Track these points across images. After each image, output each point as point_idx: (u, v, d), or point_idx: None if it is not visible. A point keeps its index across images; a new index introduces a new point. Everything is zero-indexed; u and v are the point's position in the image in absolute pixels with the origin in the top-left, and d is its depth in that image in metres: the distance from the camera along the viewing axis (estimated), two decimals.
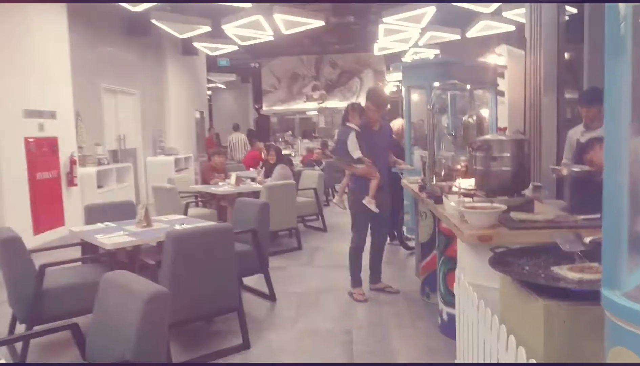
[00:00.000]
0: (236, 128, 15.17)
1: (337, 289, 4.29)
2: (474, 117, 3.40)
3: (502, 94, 6.66)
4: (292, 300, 4.05)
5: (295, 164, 9.55)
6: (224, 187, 6.00)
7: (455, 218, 2.65)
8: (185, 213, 5.50)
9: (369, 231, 4.05)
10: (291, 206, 5.65)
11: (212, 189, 5.86)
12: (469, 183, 3.47)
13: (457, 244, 3.13)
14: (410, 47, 12.24)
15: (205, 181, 6.50)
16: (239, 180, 6.23)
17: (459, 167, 3.86)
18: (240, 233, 3.83)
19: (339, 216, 7.83)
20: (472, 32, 10.19)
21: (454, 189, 3.30)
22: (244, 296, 4.18)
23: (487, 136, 2.80)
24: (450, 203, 2.78)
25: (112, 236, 3.27)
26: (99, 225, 3.73)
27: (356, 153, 3.74)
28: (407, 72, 4.96)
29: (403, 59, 13.77)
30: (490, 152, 2.74)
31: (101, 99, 8.33)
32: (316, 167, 8.82)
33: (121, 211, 4.19)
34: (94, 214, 4.13)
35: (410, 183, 4.45)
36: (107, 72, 8.59)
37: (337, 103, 15.56)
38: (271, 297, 4.04)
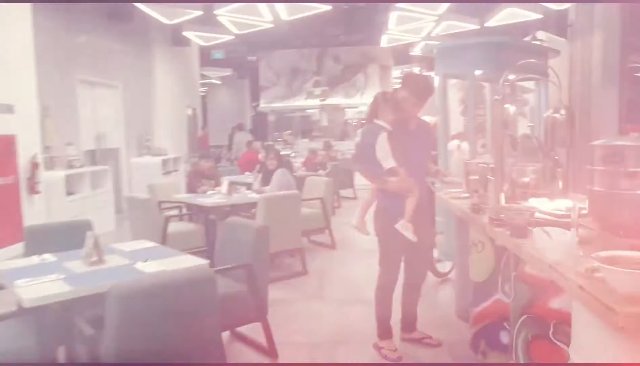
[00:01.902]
0: (241, 127, 14.13)
1: (357, 338, 3.27)
2: (562, 112, 2.40)
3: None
4: (298, 357, 3.03)
5: (296, 167, 8.54)
6: (214, 197, 4.97)
7: (572, 271, 1.64)
8: (165, 231, 4.48)
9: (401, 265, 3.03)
10: (295, 222, 4.63)
11: (199, 200, 4.83)
12: (551, 206, 2.47)
13: (550, 301, 2.13)
14: (421, 39, 11.28)
15: (191, 189, 5.46)
16: (231, 188, 5.21)
17: (526, 180, 2.87)
18: (229, 269, 2.81)
19: (349, 228, 6.81)
20: (493, 22, 9.20)
21: (539, 215, 2.30)
22: (234, 348, 3.16)
23: (619, 140, 1.78)
24: (556, 243, 1.76)
25: (41, 282, 2.24)
26: (34, 259, 2.70)
27: (388, 162, 2.72)
28: (444, 55, 3.94)
29: (412, 53, 12.80)
30: (623, 167, 1.72)
31: (75, 92, 7.29)
32: (321, 171, 7.79)
33: (75, 235, 3.15)
34: (37, 239, 3.12)
35: (452, 197, 3.45)
36: (83, 61, 7.53)
37: (340, 100, 14.50)
38: (271, 352, 3.01)
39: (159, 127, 10.17)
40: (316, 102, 14.51)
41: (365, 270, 4.80)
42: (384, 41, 11.69)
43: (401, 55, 13.77)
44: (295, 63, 14.54)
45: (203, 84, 17.64)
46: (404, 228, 2.79)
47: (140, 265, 2.44)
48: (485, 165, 3.06)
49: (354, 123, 15.83)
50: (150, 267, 2.40)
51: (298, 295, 4.14)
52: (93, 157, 7.99)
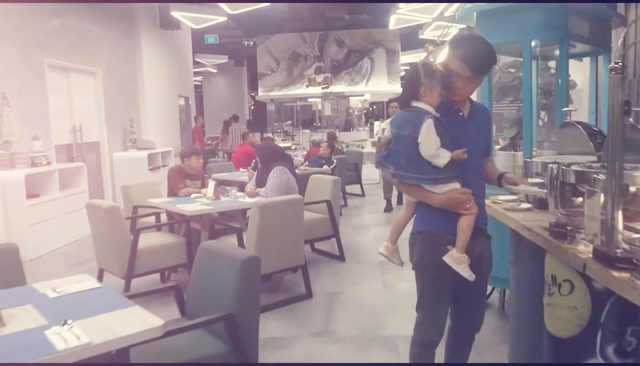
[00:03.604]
0: (236, 119, 13.26)
1: None
2: None
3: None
4: None
5: (298, 161, 7.65)
6: (197, 202, 4.09)
7: None
8: (134, 246, 3.60)
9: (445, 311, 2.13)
10: (297, 233, 3.74)
11: (178, 206, 3.94)
12: None
13: None
14: (432, 19, 10.32)
15: (172, 192, 4.58)
16: (219, 190, 4.33)
17: (633, 190, 1.98)
18: (204, 324, 1.94)
19: (357, 232, 5.95)
20: None
21: None
22: None
23: None
24: None
25: None
26: None
27: (442, 157, 1.84)
28: (487, 21, 3.02)
29: (421, 37, 11.84)
30: None
31: (45, 78, 6.37)
32: (325, 166, 6.90)
33: None
34: None
35: (505, 208, 2.56)
36: (54, 44, 6.61)
37: (344, 87, 13.51)
38: None
39: (147, 118, 9.26)
40: (318, 90, 13.53)
41: (383, 291, 3.94)
42: (392, 23, 10.76)
43: (410, 37, 12.81)
44: (296, 48, 13.53)
45: (198, 73, 16.71)
46: (457, 261, 1.90)
47: (54, 332, 1.56)
48: (562, 166, 2.18)
49: (356, 113, 14.91)
50: (68, 338, 1.52)
51: (300, 330, 3.26)
52: (69, 152, 7.12)
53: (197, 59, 13.76)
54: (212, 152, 13.20)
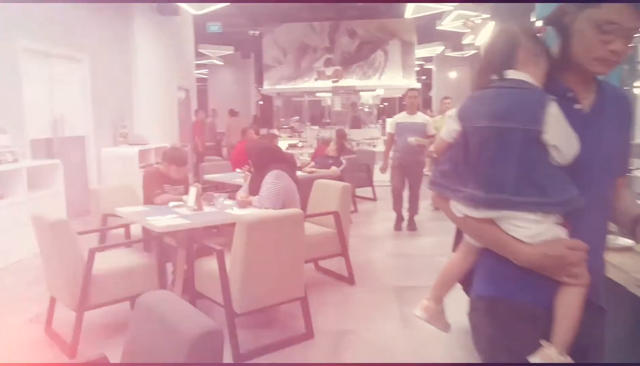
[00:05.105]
0: (233, 114, 12.50)
1: None
2: None
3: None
4: None
5: (304, 160, 6.86)
6: (173, 215, 3.31)
7: None
8: (88, 271, 2.84)
9: None
10: (295, 258, 2.95)
11: (148, 219, 3.16)
12: None
13: None
14: (454, 7, 9.47)
15: (148, 198, 3.80)
16: (204, 197, 3.55)
17: None
18: None
19: (369, 246, 5.14)
20: None
21: None
22: None
23: None
24: None
25: None
26: None
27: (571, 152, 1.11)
28: None
29: (439, 27, 10.99)
30: None
31: (18, 64, 5.64)
32: (333, 167, 6.10)
33: None
34: None
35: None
36: (31, 25, 5.88)
37: (355, 81, 12.63)
38: None
39: (140, 112, 8.51)
40: (328, 83, 12.68)
41: (402, 331, 3.13)
42: (409, 11, 9.89)
43: (426, 28, 11.94)
44: (304, 38, 12.67)
45: (204, 65, 15.95)
46: (554, 361, 1.09)
47: None
48: None
49: (366, 109, 14.05)
50: None
51: None
52: (49, 147, 6.40)
53: (200, 50, 13.00)
54: (215, 150, 12.45)
